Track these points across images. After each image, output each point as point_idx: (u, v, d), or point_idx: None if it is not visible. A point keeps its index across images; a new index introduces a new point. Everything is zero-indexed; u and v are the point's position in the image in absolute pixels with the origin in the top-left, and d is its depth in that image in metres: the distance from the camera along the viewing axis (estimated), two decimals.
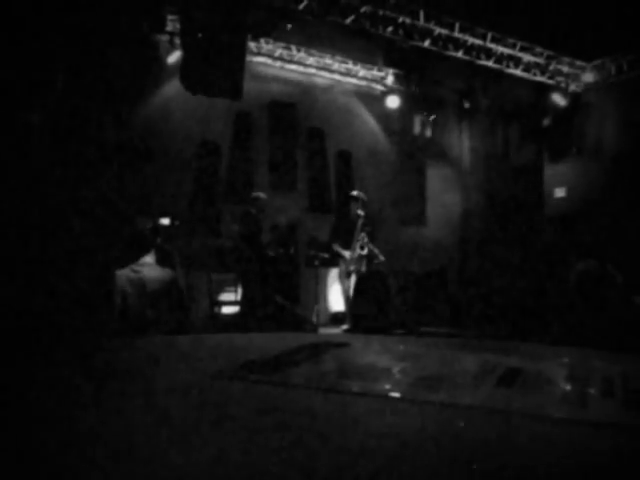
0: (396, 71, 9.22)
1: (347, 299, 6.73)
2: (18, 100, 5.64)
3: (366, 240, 6.55)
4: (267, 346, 0.93)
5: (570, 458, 0.41)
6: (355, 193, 6.82)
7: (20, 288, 4.45)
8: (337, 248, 6.73)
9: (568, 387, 0.62)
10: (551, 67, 9.00)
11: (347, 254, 6.62)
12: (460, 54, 8.28)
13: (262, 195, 6.34)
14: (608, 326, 3.94)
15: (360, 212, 6.64)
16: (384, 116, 9.29)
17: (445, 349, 0.89)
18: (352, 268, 6.59)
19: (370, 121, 9.30)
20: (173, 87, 6.99)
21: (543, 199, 9.69)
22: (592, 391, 0.59)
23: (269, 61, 8.32)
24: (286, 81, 8.51)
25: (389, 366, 0.70)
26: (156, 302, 4.64)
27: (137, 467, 0.37)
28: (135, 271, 4.75)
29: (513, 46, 8.48)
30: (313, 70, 8.71)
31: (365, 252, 6.53)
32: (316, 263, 6.76)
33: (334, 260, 7.10)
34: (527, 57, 8.70)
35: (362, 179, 8.47)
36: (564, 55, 8.91)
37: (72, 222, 5.46)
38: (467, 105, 9.68)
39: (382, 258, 6.64)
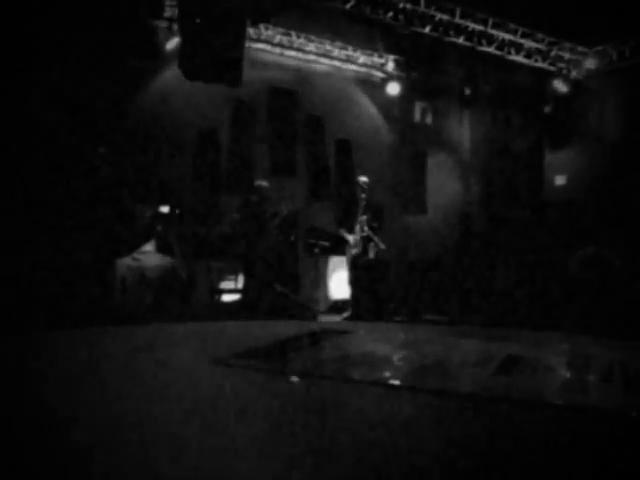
0: (396, 57, 9.15)
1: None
2: (17, 90, 5.62)
3: (365, 223, 6.57)
4: (267, 334, 0.93)
5: (570, 444, 0.41)
6: (361, 179, 6.83)
7: (21, 275, 4.46)
8: (343, 233, 6.78)
9: (568, 374, 0.62)
10: (552, 53, 8.94)
11: (351, 238, 6.67)
12: (461, 40, 8.21)
13: (264, 184, 6.33)
14: (607, 312, 3.95)
15: (363, 196, 6.67)
16: (384, 103, 9.24)
17: (445, 337, 0.89)
18: (355, 251, 6.62)
19: (370, 108, 9.25)
20: (172, 74, 6.94)
21: (543, 186, 9.68)
22: (591, 378, 0.60)
23: (268, 47, 8.25)
24: (285, 67, 8.45)
25: (389, 354, 0.70)
26: (156, 290, 4.66)
27: (130, 455, 0.37)
28: (135, 259, 4.76)
29: (514, 32, 8.42)
30: (313, 56, 8.64)
31: (365, 234, 6.55)
32: (316, 251, 6.78)
33: (335, 248, 7.11)
34: (528, 43, 8.64)
35: (362, 166, 8.44)
36: (566, 41, 8.85)
37: (74, 210, 5.46)
38: (468, 92, 9.63)
39: (383, 246, 6.65)
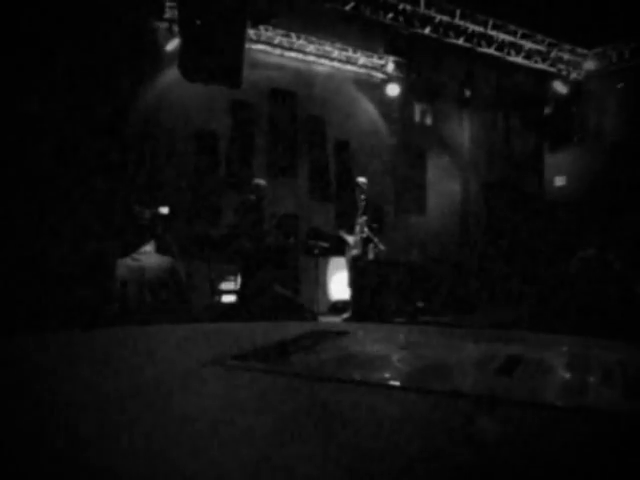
0: (396, 59, 9.16)
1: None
2: (17, 90, 5.62)
3: (365, 224, 6.57)
4: (266, 335, 0.93)
5: (569, 446, 0.41)
6: (360, 180, 6.83)
7: (21, 277, 4.46)
8: (342, 234, 6.78)
9: (568, 375, 0.62)
10: (552, 55, 8.95)
11: (351, 239, 6.67)
12: (461, 41, 8.23)
13: (262, 182, 6.32)
14: (608, 314, 3.95)
15: (362, 197, 6.68)
16: (384, 104, 9.25)
17: (445, 338, 0.89)
18: (355, 252, 6.62)
19: (370, 109, 9.26)
20: (172, 75, 6.94)
21: (543, 187, 9.68)
22: (592, 379, 0.60)
23: (269, 49, 8.26)
24: (286, 69, 8.45)
25: (389, 355, 0.70)
26: (156, 289, 4.65)
27: (124, 457, 0.36)
28: (135, 259, 4.75)
29: (514, 33, 8.43)
30: (313, 58, 8.65)
31: (365, 235, 6.55)
32: (316, 252, 6.77)
33: (335, 249, 7.11)
34: (528, 44, 8.65)
35: (361, 167, 8.45)
36: (565, 43, 8.86)
37: (72, 211, 5.46)
38: (467, 93, 9.64)
39: (382, 247, 6.65)
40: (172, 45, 7.09)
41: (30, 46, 5.70)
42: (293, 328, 0.96)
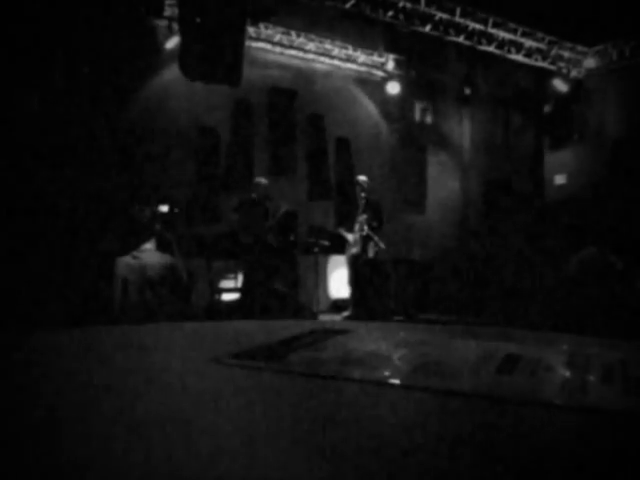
0: (396, 57, 9.15)
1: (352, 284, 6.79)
2: (17, 87, 5.62)
3: (365, 222, 6.57)
4: (266, 333, 0.93)
5: (569, 444, 0.41)
6: (361, 178, 6.83)
7: (20, 275, 4.46)
8: (342, 232, 6.79)
9: (568, 374, 0.62)
10: (553, 52, 8.94)
11: (351, 237, 6.68)
12: (461, 39, 8.22)
13: (263, 181, 6.31)
14: (608, 313, 3.95)
15: (363, 195, 6.68)
16: (384, 102, 9.24)
17: (445, 336, 0.89)
18: (354, 251, 6.63)
19: (370, 107, 9.25)
20: (171, 73, 6.94)
21: (543, 186, 9.68)
22: (592, 378, 0.59)
23: (268, 46, 8.25)
24: (285, 67, 8.45)
25: (389, 353, 0.70)
26: (156, 287, 4.66)
27: (125, 456, 0.36)
28: (135, 257, 4.76)
29: (514, 31, 8.43)
30: (313, 56, 8.64)
31: (364, 233, 6.55)
32: (316, 250, 6.77)
33: (335, 247, 7.12)
34: (528, 42, 8.64)
35: (361, 166, 8.45)
36: (566, 40, 8.86)
37: (73, 209, 5.46)
38: (468, 91, 9.63)
39: (382, 245, 6.65)
40: (172, 43, 7.08)
41: (29, 45, 5.70)
42: (293, 326, 0.96)
